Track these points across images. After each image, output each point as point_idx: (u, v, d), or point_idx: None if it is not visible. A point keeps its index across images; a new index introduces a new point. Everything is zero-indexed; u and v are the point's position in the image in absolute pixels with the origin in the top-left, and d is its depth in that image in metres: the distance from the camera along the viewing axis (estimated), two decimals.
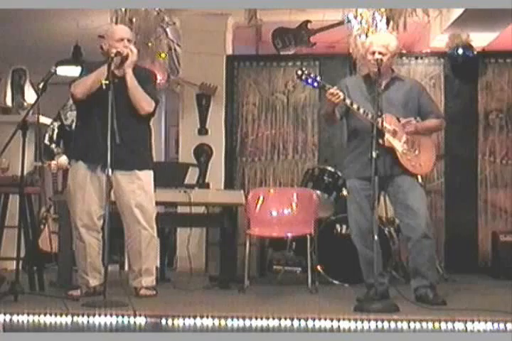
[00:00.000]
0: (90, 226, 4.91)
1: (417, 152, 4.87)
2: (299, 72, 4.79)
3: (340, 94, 4.71)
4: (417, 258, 4.78)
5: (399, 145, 4.82)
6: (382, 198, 5.00)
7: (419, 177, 5.01)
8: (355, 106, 4.75)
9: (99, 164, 4.81)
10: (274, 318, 3.92)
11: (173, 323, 3.93)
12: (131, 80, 4.89)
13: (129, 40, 4.99)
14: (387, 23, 6.29)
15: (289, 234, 5.77)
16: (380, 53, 4.78)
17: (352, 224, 4.93)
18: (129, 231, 4.97)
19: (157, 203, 5.15)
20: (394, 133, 4.80)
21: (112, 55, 4.83)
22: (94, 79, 4.83)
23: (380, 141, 4.70)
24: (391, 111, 4.83)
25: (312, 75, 4.78)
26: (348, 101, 4.75)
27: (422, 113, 4.98)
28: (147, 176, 5.00)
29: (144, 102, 4.94)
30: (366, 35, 6.32)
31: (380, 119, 4.69)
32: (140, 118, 4.99)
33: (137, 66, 5.04)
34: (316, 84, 4.78)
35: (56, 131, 7.00)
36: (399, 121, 4.84)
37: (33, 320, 3.95)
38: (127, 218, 4.95)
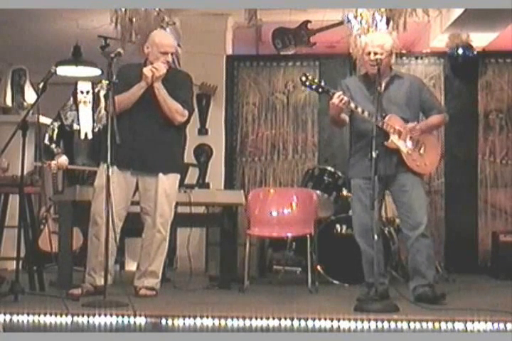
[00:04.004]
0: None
1: (422, 151, 4.89)
2: (303, 78, 4.78)
3: (345, 98, 4.71)
4: (415, 257, 4.80)
5: (404, 145, 4.82)
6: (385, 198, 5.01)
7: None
8: (359, 110, 4.75)
9: (128, 169, 4.91)
10: (274, 318, 3.92)
11: (173, 323, 3.92)
12: (159, 94, 4.92)
13: (172, 54, 5.04)
14: (387, 23, 6.29)
15: (289, 234, 5.77)
16: (375, 53, 4.78)
17: (355, 223, 4.93)
18: (146, 232, 5.02)
19: None
20: (399, 134, 4.80)
21: (112, 55, 4.84)
22: (127, 98, 4.89)
23: (385, 143, 4.72)
24: (394, 110, 4.84)
25: (316, 81, 4.78)
26: (352, 105, 4.75)
27: (424, 109, 5.00)
28: (173, 180, 5.06)
29: (176, 114, 4.99)
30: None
31: (383, 120, 4.70)
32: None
33: (174, 69, 5.10)
34: (320, 89, 4.78)
35: (56, 131, 7.00)
36: (404, 120, 4.85)
37: (33, 320, 3.95)
38: (147, 219, 5.00)
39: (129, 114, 4.90)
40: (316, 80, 4.78)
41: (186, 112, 5.04)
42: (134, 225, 5.06)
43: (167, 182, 5.01)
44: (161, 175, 4.98)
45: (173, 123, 5.01)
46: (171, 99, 4.96)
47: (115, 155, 4.80)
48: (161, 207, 4.98)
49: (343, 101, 4.70)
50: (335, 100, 4.71)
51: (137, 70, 4.98)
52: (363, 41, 4.98)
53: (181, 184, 5.80)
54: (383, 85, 4.85)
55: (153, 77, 4.88)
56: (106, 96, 5.16)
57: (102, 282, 4.85)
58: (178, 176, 5.12)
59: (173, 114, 4.97)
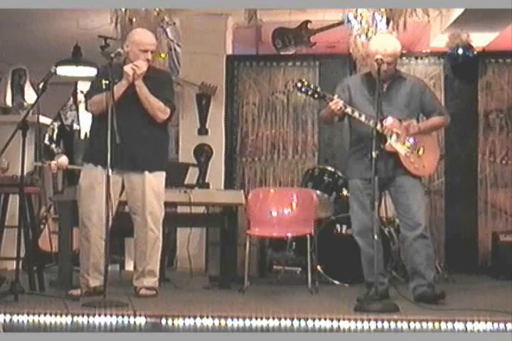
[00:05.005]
0: (99, 226, 4.91)
1: (420, 152, 4.87)
2: (299, 84, 4.78)
3: (341, 104, 4.70)
4: (414, 257, 4.81)
5: (402, 148, 4.81)
6: (383, 198, 5.00)
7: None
8: (356, 114, 4.74)
9: (114, 167, 4.86)
10: (274, 318, 3.92)
11: (173, 323, 3.93)
12: (141, 92, 4.91)
13: (152, 52, 5.02)
14: (387, 23, 6.29)
15: (289, 234, 5.77)
16: (388, 63, 4.74)
17: (354, 223, 4.93)
18: (137, 231, 5.01)
19: None
20: (396, 137, 4.79)
21: (112, 55, 4.84)
22: (108, 97, 4.82)
23: (383, 146, 4.71)
24: (393, 112, 4.82)
25: (312, 86, 4.77)
26: (349, 110, 4.74)
27: (425, 111, 4.98)
28: (159, 177, 5.04)
29: (158, 111, 4.98)
30: (366, 35, 6.33)
31: (381, 123, 4.69)
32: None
33: (154, 68, 5.08)
34: (316, 95, 4.77)
35: (56, 131, 7.02)
36: (401, 122, 4.84)
37: (33, 320, 3.95)
38: (137, 219, 4.99)
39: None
40: (312, 86, 4.77)
41: (168, 110, 5.03)
42: (132, 225, 5.06)
43: (154, 180, 4.99)
44: (147, 173, 4.96)
45: (155, 121, 5.00)
46: (153, 97, 4.94)
47: (99, 155, 4.81)
48: (150, 205, 4.96)
49: (338, 108, 4.70)
50: (332, 106, 4.71)
51: (118, 69, 4.96)
52: (373, 47, 4.83)
53: (181, 184, 5.81)
54: (386, 86, 4.85)
55: (135, 74, 4.86)
56: (87, 96, 5.10)
57: (96, 283, 4.89)
58: (164, 174, 5.09)
59: (155, 111, 4.96)
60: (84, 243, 4.97)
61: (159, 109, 4.98)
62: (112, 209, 4.86)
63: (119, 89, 4.87)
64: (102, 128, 4.81)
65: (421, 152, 4.88)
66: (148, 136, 4.98)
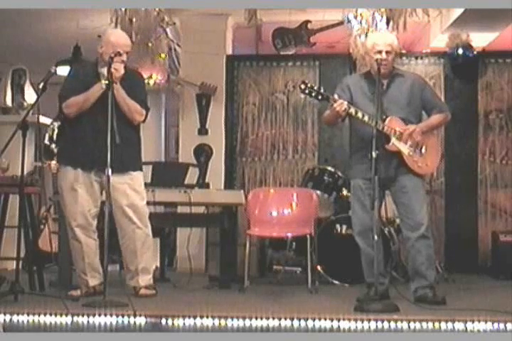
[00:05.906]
0: (85, 226, 4.91)
1: (423, 151, 4.88)
2: (302, 86, 4.77)
3: (346, 105, 4.71)
4: (415, 257, 4.80)
5: (405, 147, 4.81)
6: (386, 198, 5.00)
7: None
8: (359, 115, 4.74)
9: (92, 169, 4.87)
10: (274, 318, 3.92)
11: (173, 323, 3.93)
12: (119, 94, 4.87)
13: (127, 53, 4.98)
14: (387, 23, 6.29)
15: (289, 234, 5.77)
16: (387, 52, 4.78)
17: (355, 223, 4.93)
18: (123, 231, 4.98)
19: (157, 203, 5.16)
20: (399, 136, 4.80)
21: (112, 55, 4.84)
22: (86, 99, 4.86)
23: (386, 146, 4.72)
24: (394, 110, 4.83)
25: (315, 88, 4.77)
26: (352, 111, 4.74)
27: (426, 108, 4.99)
28: (138, 177, 5.03)
29: (135, 113, 4.98)
30: (366, 35, 6.32)
31: (383, 124, 4.70)
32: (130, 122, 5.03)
33: (128, 69, 5.04)
34: (320, 96, 4.76)
35: (56, 131, 7.00)
36: (404, 121, 4.84)
37: (33, 320, 3.95)
38: (120, 218, 4.96)
39: (88, 114, 4.87)
40: (315, 87, 4.77)
41: (144, 111, 5.03)
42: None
43: (135, 180, 4.98)
44: (127, 173, 4.95)
45: (131, 123, 5.00)
46: (130, 99, 4.94)
47: (78, 157, 4.81)
48: (133, 204, 4.94)
49: (343, 109, 4.71)
50: (337, 107, 4.71)
51: (93, 69, 4.96)
52: (370, 41, 4.93)
53: (181, 184, 5.81)
54: (385, 85, 4.85)
55: (113, 78, 4.83)
56: (61, 97, 5.04)
57: (95, 282, 4.90)
58: (142, 174, 5.09)
59: (132, 113, 4.96)
60: (75, 244, 4.97)
61: (136, 111, 4.98)
62: (97, 209, 4.94)
63: (97, 91, 4.85)
64: (80, 131, 4.84)
65: (423, 150, 4.88)
66: (127, 137, 4.92)
